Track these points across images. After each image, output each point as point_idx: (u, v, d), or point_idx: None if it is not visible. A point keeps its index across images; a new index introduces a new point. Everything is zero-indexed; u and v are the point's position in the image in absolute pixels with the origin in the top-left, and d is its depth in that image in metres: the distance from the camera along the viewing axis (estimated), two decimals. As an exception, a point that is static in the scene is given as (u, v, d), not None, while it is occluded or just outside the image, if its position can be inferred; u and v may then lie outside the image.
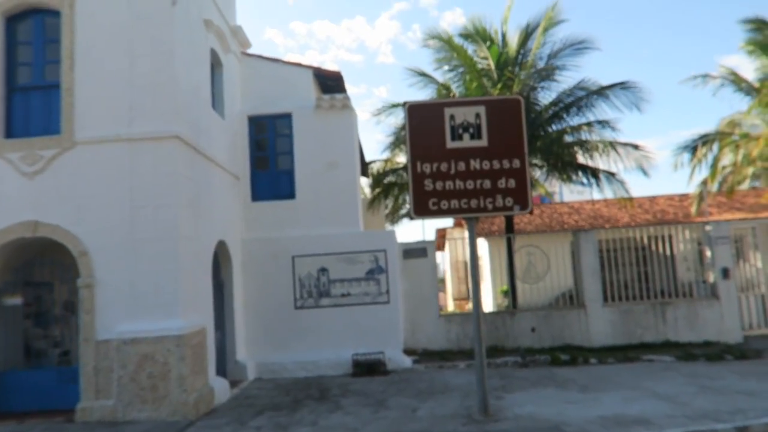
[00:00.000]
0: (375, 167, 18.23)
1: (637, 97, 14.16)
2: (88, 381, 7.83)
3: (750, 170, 19.54)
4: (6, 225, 8.13)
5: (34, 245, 8.61)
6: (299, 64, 12.10)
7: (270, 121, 12.03)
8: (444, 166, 7.58)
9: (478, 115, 7.64)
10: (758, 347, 11.55)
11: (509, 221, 15.11)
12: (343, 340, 11.18)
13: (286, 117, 11.92)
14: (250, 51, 12.41)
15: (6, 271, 8.63)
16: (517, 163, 7.60)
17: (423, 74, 15.93)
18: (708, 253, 12.54)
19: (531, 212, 7.45)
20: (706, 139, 20.67)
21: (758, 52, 18.12)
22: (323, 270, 11.39)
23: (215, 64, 10.72)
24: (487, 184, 7.55)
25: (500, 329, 12.26)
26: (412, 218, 7.52)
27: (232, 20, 11.72)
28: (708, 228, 12.52)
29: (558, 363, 11.01)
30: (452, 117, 7.64)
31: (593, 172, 15.39)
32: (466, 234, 22.83)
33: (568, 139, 14.88)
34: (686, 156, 20.65)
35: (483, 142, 7.62)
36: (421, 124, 7.69)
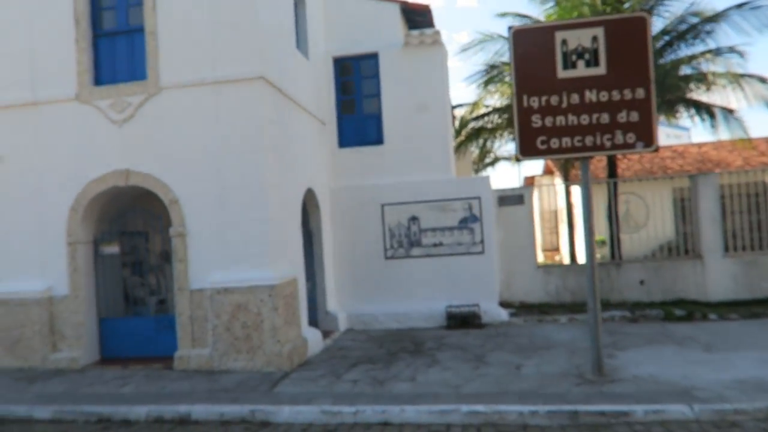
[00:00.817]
0: (459, 112, 17.26)
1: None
2: (184, 330, 7.80)
3: None
4: (100, 174, 8.11)
5: (128, 194, 8.59)
6: (385, -1, 11.27)
7: (356, 61, 11.38)
8: (554, 99, 6.68)
9: (595, 39, 6.63)
10: None
11: (612, 165, 13.86)
12: (435, 292, 10.69)
13: (373, 57, 11.23)
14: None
15: (102, 221, 8.69)
16: (641, 93, 6.57)
17: (516, 14, 14.66)
18: None
19: (656, 150, 6.46)
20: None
21: None
22: (414, 219, 10.85)
23: (298, 2, 10.13)
24: (605, 118, 6.60)
25: (605, 281, 11.31)
26: (518, 159, 6.74)
27: (313, -47, 11.02)
28: None
29: (672, 318, 10.01)
30: (564, 42, 6.67)
31: (708, 110, 13.75)
32: (557, 181, 21.39)
33: (685, 71, 13.25)
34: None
35: (601, 70, 6.63)
36: (528, 52, 6.78)
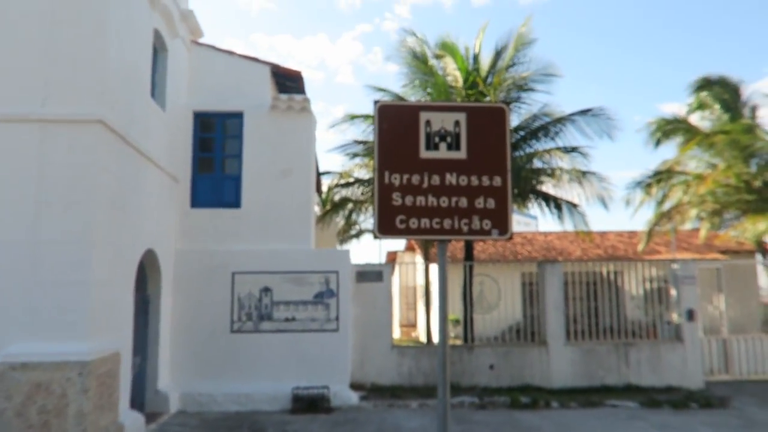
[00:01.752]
0: (327, 183, 17.11)
1: (608, 125, 13.64)
2: (-38, 414, 6.30)
3: (694, 211, 19.66)
4: None
5: None
6: (256, 59, 10.91)
7: (219, 119, 10.76)
8: (416, 179, 6.48)
9: (457, 123, 6.61)
10: (721, 394, 10.94)
11: (469, 247, 14.23)
12: (283, 371, 9.88)
13: (237, 116, 10.68)
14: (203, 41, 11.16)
15: None
16: (498, 180, 6.57)
17: (384, 90, 15.04)
18: (673, 293, 11.94)
19: (510, 238, 6.45)
20: (659, 177, 20.74)
21: (705, 106, 19.10)
22: (266, 290, 10.12)
23: (159, 49, 9.44)
24: (464, 202, 6.48)
25: (456, 365, 11.23)
26: (375, 237, 6.39)
27: (183, 3, 10.47)
28: (675, 266, 11.93)
29: (518, 406, 10.04)
30: (428, 123, 6.58)
31: (555, 202, 14.77)
32: (418, 258, 21.73)
33: (537, 165, 14.19)
34: (639, 192, 20.75)
35: (462, 155, 6.57)
36: (392, 129, 6.59)
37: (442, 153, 6.51)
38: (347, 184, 16.30)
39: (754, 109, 19.31)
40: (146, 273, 9.12)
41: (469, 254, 14.15)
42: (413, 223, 6.36)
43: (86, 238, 6.61)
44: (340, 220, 17.76)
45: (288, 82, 11.49)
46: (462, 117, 6.63)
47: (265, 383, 9.78)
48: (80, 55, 6.81)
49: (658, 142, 19.91)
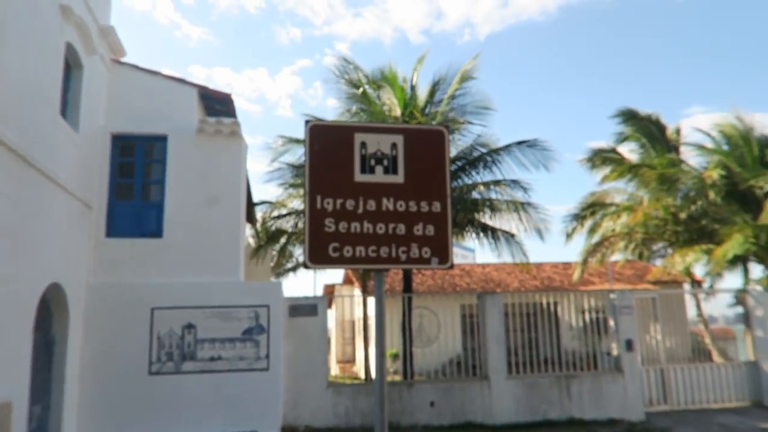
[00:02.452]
0: (262, 214, 16.41)
1: (544, 156, 13.71)
2: None
3: (622, 243, 20.19)
4: None
5: None
6: (183, 80, 10.31)
7: (140, 142, 10.02)
8: (350, 204, 6.02)
9: (394, 146, 6.23)
10: (662, 425, 10.85)
11: (408, 279, 13.84)
12: (208, 415, 9.05)
13: (161, 139, 9.98)
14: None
15: None
16: (437, 206, 6.19)
17: (322, 120, 14.61)
18: (611, 323, 11.89)
19: (451, 267, 6.07)
20: (593, 209, 21.23)
21: (632, 138, 19.95)
22: (190, 327, 9.31)
23: (73, 65, 8.70)
24: (402, 229, 6.06)
25: (396, 403, 10.66)
26: (306, 267, 5.87)
27: (104, 19, 9.80)
28: (612, 296, 11.92)
29: (460, 445, 9.56)
30: (363, 145, 6.17)
31: (493, 233, 14.67)
32: (357, 292, 21.17)
33: (475, 195, 14.06)
34: (574, 224, 21.18)
35: (399, 178, 6.18)
36: (325, 150, 6.13)
37: (379, 177, 6.08)
38: (281, 216, 15.67)
39: (677, 146, 20.14)
40: (51, 310, 8.18)
41: (408, 286, 13.76)
42: (347, 251, 5.87)
43: (-29, 270, 5.75)
44: (275, 254, 17.06)
45: (217, 105, 10.90)
46: (399, 139, 6.25)
47: (187, 429, 8.90)
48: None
49: (592, 168, 20.40)
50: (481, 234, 14.84)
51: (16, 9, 6.52)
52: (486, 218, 14.63)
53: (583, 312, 12.88)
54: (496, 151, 14.24)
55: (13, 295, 6.57)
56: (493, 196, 14.29)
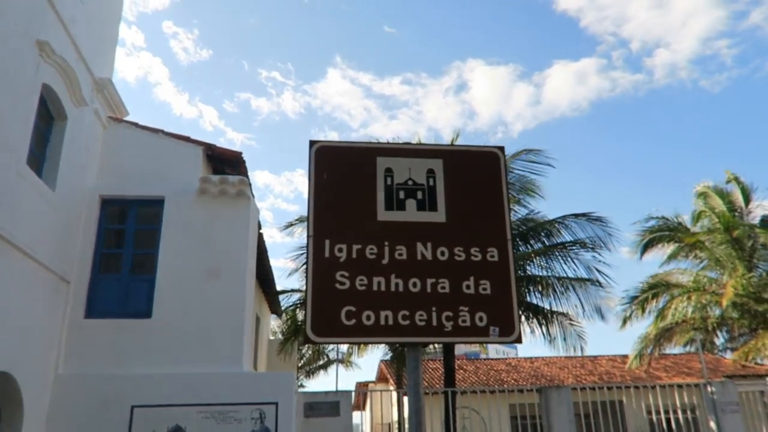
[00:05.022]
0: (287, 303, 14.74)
1: (603, 232, 11.95)
2: None
3: (691, 334, 17.80)
4: None
5: None
6: (188, 138, 9.13)
7: (133, 206, 8.71)
8: (372, 251, 4.31)
9: (431, 173, 4.60)
10: None
11: (449, 371, 11.78)
12: None
13: (157, 203, 8.65)
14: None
15: None
16: (494, 253, 4.44)
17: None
18: (712, 425, 9.50)
19: (519, 340, 4.22)
20: (656, 291, 18.96)
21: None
22: (178, 430, 7.45)
23: (55, 114, 7.60)
24: (445, 286, 4.29)
25: None
26: (308, 341, 4.11)
27: (102, 71, 8.84)
28: (711, 390, 9.60)
29: None
30: (389, 172, 4.56)
31: (546, 316, 12.69)
32: (392, 389, 18.65)
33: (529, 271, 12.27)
34: (630, 308, 18.90)
35: (439, 216, 4.48)
36: (337, 180, 4.54)
37: (411, 214, 4.37)
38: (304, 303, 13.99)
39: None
40: None
41: (450, 380, 11.69)
42: (368, 318, 4.06)
43: None
44: (308, 352, 15.22)
45: (227, 168, 9.61)
46: (437, 164, 4.57)
47: None
48: None
49: (645, 248, 18.38)
50: (531, 318, 12.89)
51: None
52: (534, 298, 12.76)
53: (666, 411, 10.49)
54: (550, 223, 12.62)
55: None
56: (542, 273, 12.52)
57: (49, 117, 7.50)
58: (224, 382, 7.78)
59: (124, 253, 8.52)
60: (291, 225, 12.76)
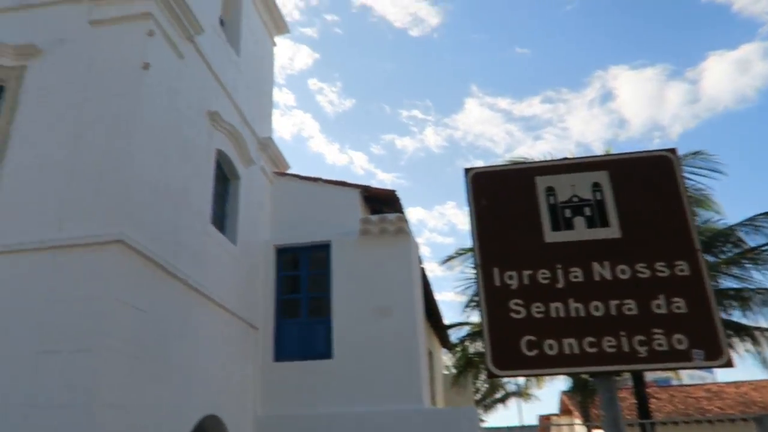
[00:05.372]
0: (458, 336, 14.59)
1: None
2: None
3: None
4: None
5: None
6: (344, 183, 9.59)
7: (304, 252, 9.27)
8: (544, 275, 4.10)
9: (597, 187, 4.29)
10: None
11: (642, 399, 10.77)
12: None
13: (324, 247, 9.13)
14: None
15: None
16: (683, 267, 4.00)
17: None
18: None
19: (730, 364, 3.71)
20: None
21: None
22: (366, 467, 7.62)
23: (230, 175, 8.38)
24: (632, 307, 3.94)
25: None
26: (491, 375, 3.98)
27: (263, 131, 9.66)
28: None
29: None
30: (551, 191, 4.33)
31: (750, 334, 11.20)
32: (578, 423, 17.50)
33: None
34: None
35: (613, 231, 4.16)
36: (498, 205, 4.40)
37: (581, 232, 4.08)
38: (475, 333, 13.74)
39: None
40: (208, 449, 7.14)
41: (644, 411, 10.67)
42: (550, 347, 3.80)
43: (93, 399, 4.87)
44: (484, 385, 14.92)
45: (384, 207, 9.89)
46: (603, 177, 4.25)
47: None
48: (103, 167, 5.74)
49: None
50: (733, 336, 11.41)
51: (151, 108, 6.23)
52: (732, 314, 11.29)
53: None
54: (732, 228, 11.22)
55: (155, 429, 5.59)
56: (736, 285, 11.07)
57: (224, 178, 8.32)
58: (409, 419, 7.83)
59: (302, 298, 9.07)
60: (451, 259, 12.73)
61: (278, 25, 10.96)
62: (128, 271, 5.50)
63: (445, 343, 15.22)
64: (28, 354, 5.11)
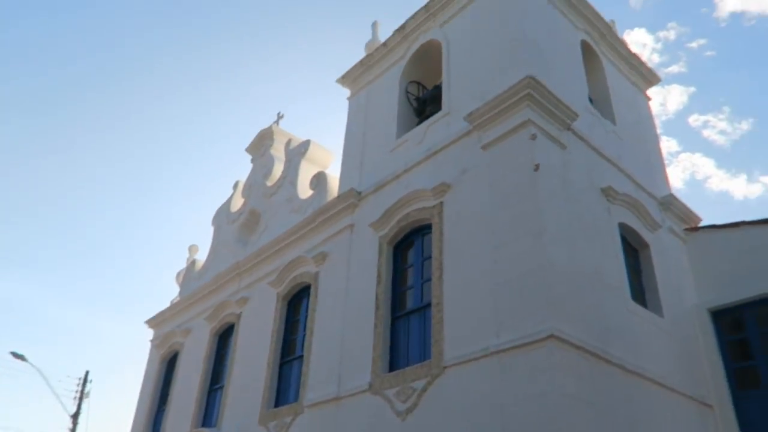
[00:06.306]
0: None
1: None
2: None
3: None
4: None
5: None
6: (772, 221, 8.18)
7: (747, 309, 8.06)
8: None
9: None
10: None
11: None
12: None
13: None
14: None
15: None
16: None
17: None
18: None
19: None
20: None
21: None
22: None
23: (638, 246, 8.14)
24: None
25: None
26: None
27: (661, 189, 9.17)
28: None
29: None
30: None
31: None
32: None
33: None
34: None
35: None
36: None
37: None
38: None
39: None
40: None
41: None
42: None
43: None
44: None
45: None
46: None
47: None
48: (522, 270, 6.26)
49: None
50: None
51: (550, 202, 6.61)
52: None
53: None
54: None
55: None
56: None
57: (633, 251, 8.06)
58: None
59: (759, 365, 7.80)
60: None
61: (648, 78, 10.52)
62: (565, 364, 5.71)
63: None
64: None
